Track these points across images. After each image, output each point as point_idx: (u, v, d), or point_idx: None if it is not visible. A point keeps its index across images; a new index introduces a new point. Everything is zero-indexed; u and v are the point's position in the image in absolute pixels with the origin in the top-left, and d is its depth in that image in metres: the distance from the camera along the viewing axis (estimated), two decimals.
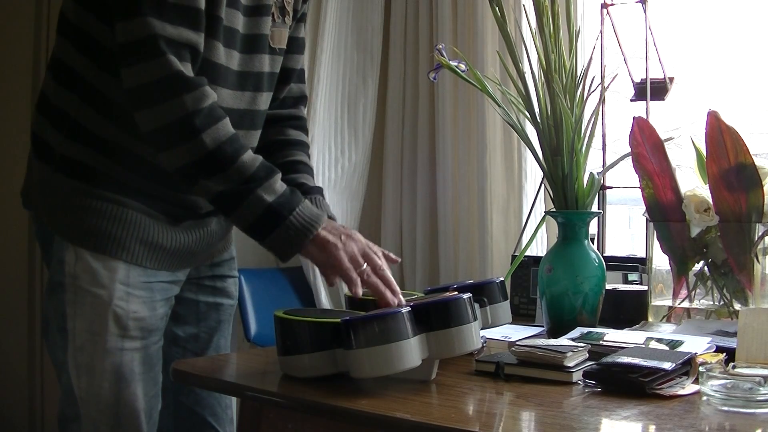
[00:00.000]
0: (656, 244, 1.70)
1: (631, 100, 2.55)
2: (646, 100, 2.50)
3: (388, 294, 1.42)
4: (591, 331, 1.50)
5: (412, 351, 1.24)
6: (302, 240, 1.43)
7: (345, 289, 1.50)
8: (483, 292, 1.50)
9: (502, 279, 1.58)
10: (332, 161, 3.03)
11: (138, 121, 1.41)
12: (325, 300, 2.98)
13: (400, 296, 1.43)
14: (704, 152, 1.63)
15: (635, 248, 2.56)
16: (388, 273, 1.46)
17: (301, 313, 1.36)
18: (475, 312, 1.33)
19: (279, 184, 1.44)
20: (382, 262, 1.47)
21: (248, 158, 1.43)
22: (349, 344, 1.24)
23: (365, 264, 1.44)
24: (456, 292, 1.38)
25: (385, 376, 1.25)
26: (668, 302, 1.69)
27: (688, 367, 1.28)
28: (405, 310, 1.26)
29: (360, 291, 1.42)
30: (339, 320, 1.27)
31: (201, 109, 1.39)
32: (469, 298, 1.32)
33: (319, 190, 1.67)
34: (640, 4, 2.48)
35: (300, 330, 1.32)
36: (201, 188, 1.44)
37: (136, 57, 1.38)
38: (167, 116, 1.39)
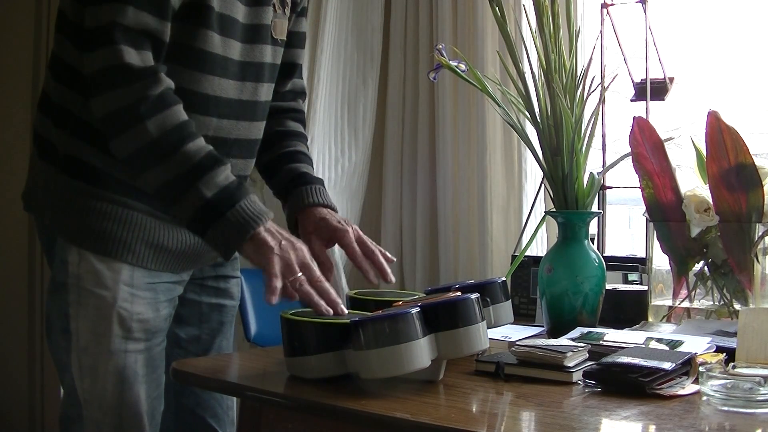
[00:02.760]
0: (656, 244, 1.70)
1: (631, 100, 2.56)
2: (646, 100, 2.50)
3: (322, 304, 1.37)
4: (591, 331, 1.50)
5: (421, 351, 1.24)
6: (240, 238, 1.39)
7: (346, 289, 1.50)
8: (485, 292, 1.50)
9: (504, 279, 1.58)
10: (332, 161, 3.03)
11: (92, 108, 1.41)
12: None
13: (341, 307, 1.37)
14: (704, 152, 1.63)
15: (635, 248, 2.56)
16: (327, 285, 1.40)
17: (308, 314, 1.36)
18: (483, 312, 1.33)
19: (223, 177, 1.40)
20: (323, 279, 1.41)
21: (194, 148, 1.40)
22: (359, 345, 1.24)
23: (300, 273, 1.39)
24: (459, 293, 1.38)
25: (393, 376, 1.25)
26: (668, 302, 1.69)
27: (688, 367, 1.28)
28: (414, 310, 1.26)
29: (274, 300, 1.36)
30: (347, 321, 1.27)
31: (146, 97, 1.38)
32: (477, 298, 1.32)
33: (320, 181, 1.67)
34: (640, 4, 2.48)
35: (307, 331, 1.32)
36: (145, 180, 1.41)
37: (91, 44, 1.39)
38: (114, 104, 1.39)
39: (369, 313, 1.31)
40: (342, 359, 1.29)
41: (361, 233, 1.56)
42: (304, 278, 1.39)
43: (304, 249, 1.43)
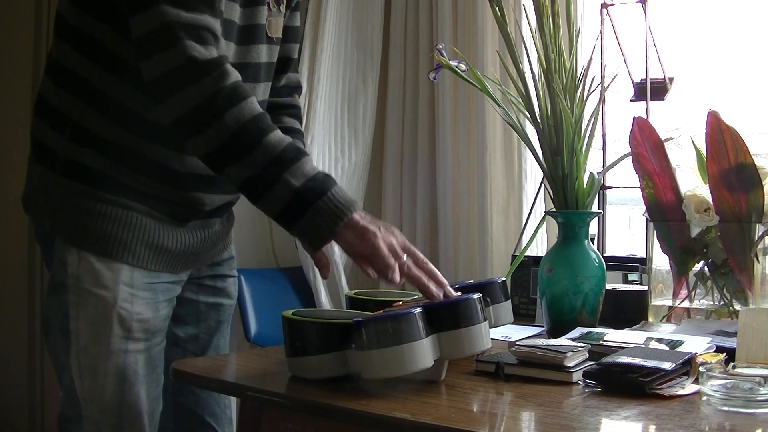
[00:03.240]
0: (656, 244, 1.70)
1: (631, 100, 2.56)
2: (646, 100, 2.50)
3: (432, 287, 1.36)
4: (591, 331, 1.50)
5: (424, 352, 1.24)
6: (333, 226, 1.36)
7: (346, 288, 1.50)
8: (485, 292, 1.49)
9: (503, 279, 1.58)
10: (332, 161, 3.03)
11: (163, 112, 1.39)
12: (325, 300, 2.98)
13: (448, 288, 1.37)
14: (704, 152, 1.63)
15: (635, 248, 2.56)
16: (432, 267, 1.39)
17: (308, 314, 1.36)
18: (485, 312, 1.33)
19: (309, 167, 1.38)
20: (427, 260, 1.40)
21: (275, 139, 1.38)
22: (361, 345, 1.24)
23: (405, 256, 1.38)
24: (459, 293, 1.38)
25: (396, 377, 1.25)
26: (668, 302, 1.69)
27: (688, 367, 1.28)
28: (417, 310, 1.25)
29: (398, 278, 1.35)
30: (349, 321, 1.27)
31: (221, 89, 1.36)
32: (479, 298, 1.32)
33: None
34: (640, 4, 2.48)
35: (309, 331, 1.31)
36: (228, 176, 1.39)
37: (152, 47, 1.36)
38: (189, 102, 1.36)
39: (371, 313, 1.31)
40: (343, 359, 1.28)
41: None
42: (411, 261, 1.38)
43: (399, 233, 1.41)
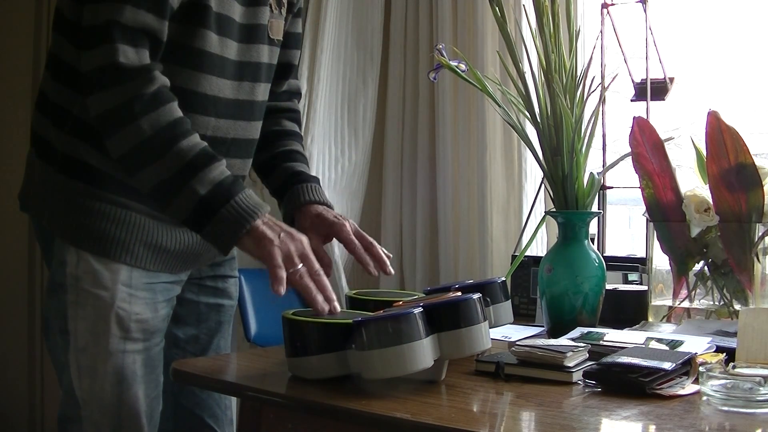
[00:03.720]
0: (656, 244, 1.70)
1: (631, 100, 2.56)
2: (646, 100, 2.50)
3: (319, 299, 1.37)
4: (591, 331, 1.50)
5: (424, 352, 1.24)
6: (237, 232, 1.39)
7: (346, 288, 1.50)
8: (485, 292, 1.49)
9: (503, 279, 1.58)
10: (332, 161, 3.03)
11: (88, 107, 1.40)
12: None
13: (335, 304, 1.38)
14: (704, 152, 1.63)
15: (635, 248, 2.56)
16: (325, 279, 1.41)
17: (308, 314, 1.36)
18: (485, 312, 1.33)
19: (217, 173, 1.39)
20: (322, 272, 1.40)
21: (187, 145, 1.39)
22: (361, 345, 1.24)
23: (300, 265, 1.39)
24: (459, 293, 1.38)
25: (396, 377, 1.25)
26: (668, 302, 1.69)
27: (688, 367, 1.28)
28: (417, 310, 1.25)
29: (282, 290, 1.37)
30: (349, 321, 1.27)
31: (141, 95, 1.37)
32: (479, 298, 1.32)
33: (316, 179, 1.67)
34: (640, 4, 2.48)
35: (309, 331, 1.31)
36: (140, 180, 1.40)
37: (89, 42, 1.38)
38: (109, 102, 1.38)
39: (371, 313, 1.31)
40: (344, 359, 1.28)
41: (357, 227, 1.56)
42: (305, 270, 1.39)
43: (304, 240, 1.42)
